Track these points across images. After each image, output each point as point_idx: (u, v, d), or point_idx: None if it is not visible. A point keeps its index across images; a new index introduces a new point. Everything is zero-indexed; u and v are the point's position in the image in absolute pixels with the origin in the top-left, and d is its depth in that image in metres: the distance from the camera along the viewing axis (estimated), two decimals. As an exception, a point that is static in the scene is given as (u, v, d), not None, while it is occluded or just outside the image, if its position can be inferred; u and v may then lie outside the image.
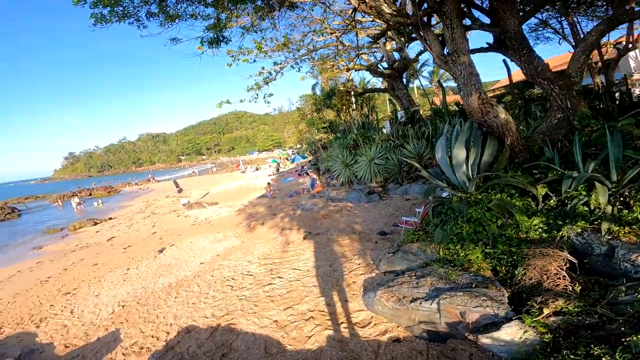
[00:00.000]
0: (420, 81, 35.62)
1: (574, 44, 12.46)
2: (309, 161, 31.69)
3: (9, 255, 14.82)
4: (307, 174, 22.55)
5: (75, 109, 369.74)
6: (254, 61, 10.73)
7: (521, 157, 5.91)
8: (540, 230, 4.52)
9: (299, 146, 68.35)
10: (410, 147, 12.43)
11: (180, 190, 28.83)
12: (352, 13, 8.53)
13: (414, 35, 7.75)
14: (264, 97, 13.06)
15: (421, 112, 20.18)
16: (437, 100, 34.72)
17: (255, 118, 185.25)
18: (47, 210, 33.79)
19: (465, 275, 4.41)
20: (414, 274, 4.82)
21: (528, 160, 5.81)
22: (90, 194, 42.01)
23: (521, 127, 8.00)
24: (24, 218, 29.19)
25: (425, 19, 6.56)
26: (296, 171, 28.83)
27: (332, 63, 17.95)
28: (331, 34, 13.80)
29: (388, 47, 17.69)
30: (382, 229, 8.29)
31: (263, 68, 12.41)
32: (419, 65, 27.24)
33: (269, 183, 21.04)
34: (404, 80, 19.76)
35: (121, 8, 5.86)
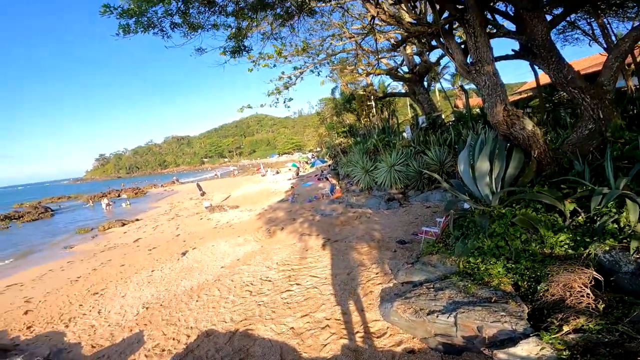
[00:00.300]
0: (441, 84, 34.57)
1: (605, 46, 11.87)
2: (329, 165, 31.72)
3: (42, 254, 15.64)
4: (327, 179, 22.53)
5: (106, 112, 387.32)
6: (274, 66, 10.93)
7: (549, 170, 5.69)
8: (566, 246, 4.36)
9: (318, 149, 68.55)
10: (432, 153, 12.21)
11: (203, 194, 29.54)
12: (371, 20, 8.53)
13: (434, 43, 7.64)
14: (284, 102, 13.26)
15: (443, 117, 19.80)
16: (460, 103, 33.86)
17: (276, 121, 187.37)
18: (78, 210, 35.51)
19: (484, 289, 4.32)
20: (432, 286, 4.76)
21: (556, 173, 5.58)
22: (119, 195, 43.82)
23: (549, 138, 7.70)
24: (56, 217, 30.77)
25: (446, 26, 6.46)
26: (315, 175, 28.91)
27: (351, 67, 17.91)
28: (350, 38, 13.81)
29: (408, 50, 17.47)
30: (401, 237, 8.17)
31: (283, 73, 12.63)
32: (440, 68, 26.68)
33: (292, 187, 21.17)
34: (425, 83, 19.42)
35: (146, 19, 6.11)
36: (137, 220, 21.39)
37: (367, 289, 5.73)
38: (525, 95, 25.52)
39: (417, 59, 17.99)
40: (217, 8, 6.79)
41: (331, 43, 14.15)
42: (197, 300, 6.70)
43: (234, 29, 7.65)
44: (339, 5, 8.45)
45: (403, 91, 25.81)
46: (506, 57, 6.94)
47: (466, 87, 30.99)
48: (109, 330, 6.21)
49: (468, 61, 6.29)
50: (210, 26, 7.17)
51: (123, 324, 6.37)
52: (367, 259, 7.13)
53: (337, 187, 17.45)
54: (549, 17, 7.26)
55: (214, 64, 8.54)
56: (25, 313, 7.80)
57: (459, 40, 7.15)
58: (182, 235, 14.37)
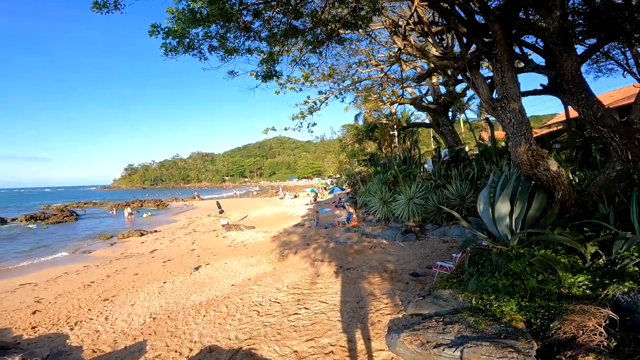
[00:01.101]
0: (466, 115, 33.66)
1: (639, 77, 11.51)
2: (347, 193, 31.60)
3: (59, 256, 16.11)
4: (344, 207, 22.43)
5: (140, 124, 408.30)
6: (300, 90, 11.22)
7: (573, 212, 5.43)
8: (584, 287, 4.24)
9: (338, 176, 68.75)
10: (453, 188, 11.99)
11: (221, 212, 29.98)
12: (397, 52, 8.73)
13: (460, 76, 7.69)
14: (308, 126, 13.50)
15: (467, 150, 19.52)
16: (485, 136, 33.26)
17: (298, 145, 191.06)
18: (102, 216, 36.74)
19: (495, 325, 4.19)
20: (441, 320, 4.64)
21: (580, 215, 5.32)
22: (141, 206, 45.13)
23: (575, 179, 7.41)
24: (80, 222, 31.88)
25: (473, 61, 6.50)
26: (333, 202, 28.83)
27: (375, 95, 18.17)
28: (376, 66, 14.08)
29: (434, 80, 17.53)
30: (415, 270, 7.99)
31: (308, 97, 12.92)
32: (466, 98, 26.44)
33: (316, 212, 21.15)
34: (450, 115, 19.31)
35: (188, 40, 6.53)
36: (156, 231, 21.82)
37: (375, 319, 5.58)
38: (555, 128, 24.82)
39: (442, 89, 18.04)
40: (252, 33, 7.17)
41: (357, 70, 14.45)
42: (204, 315, 6.60)
43: (266, 54, 8.02)
44: (366, 33, 8.74)
45: (427, 121, 25.75)
46: (534, 92, 6.84)
47: (492, 119, 30.49)
48: (113, 337, 6.19)
49: (494, 96, 6.24)
50: (244, 51, 7.55)
51: (128, 331, 6.35)
52: (378, 289, 6.97)
53: (354, 216, 17.29)
54: (581, 48, 7.16)
55: (245, 87, 8.91)
56: (34, 313, 7.90)
57: (485, 73, 7.18)
58: (197, 251, 14.48)
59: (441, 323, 4.48)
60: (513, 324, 4.12)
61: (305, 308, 6.39)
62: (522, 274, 4.58)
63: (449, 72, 8.26)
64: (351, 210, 18.47)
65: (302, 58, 9.05)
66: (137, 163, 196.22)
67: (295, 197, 43.81)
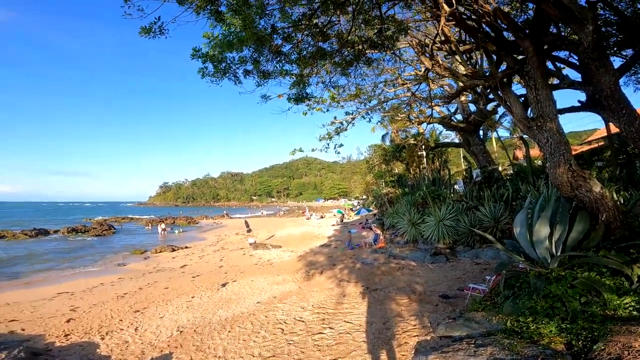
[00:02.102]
0: (498, 133, 31.35)
1: None
2: (374, 214, 31.12)
3: (97, 268, 16.89)
4: (371, 228, 22.22)
5: (174, 143, 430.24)
6: (327, 110, 11.40)
7: (618, 233, 5.03)
8: (630, 308, 3.94)
9: (364, 197, 68.11)
10: (486, 209, 11.58)
11: (249, 230, 30.46)
12: (424, 72, 8.75)
13: (492, 95, 7.56)
14: (335, 147, 13.62)
15: (500, 170, 18.78)
16: (520, 154, 31.71)
17: (324, 165, 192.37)
18: (137, 231, 38.42)
19: (532, 347, 3.87)
20: (473, 342, 4.36)
21: (626, 237, 4.92)
22: (174, 222, 46.80)
23: (620, 200, 6.91)
24: (117, 236, 33.46)
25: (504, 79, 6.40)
26: (360, 223, 28.50)
27: (403, 115, 18.05)
28: (402, 85, 14.06)
29: (462, 98, 17.22)
30: (444, 292, 7.77)
31: (335, 118, 13.10)
32: (497, 116, 25.25)
33: (349, 232, 21.01)
34: (481, 133, 18.73)
35: (224, 65, 6.94)
36: (187, 247, 22.46)
37: (401, 340, 5.40)
38: (596, 145, 23.32)
39: (472, 107, 17.66)
40: (282, 56, 7.52)
41: (383, 89, 14.49)
42: (229, 331, 6.63)
43: (296, 77, 8.34)
44: (392, 52, 8.85)
45: (456, 141, 25.08)
46: (571, 109, 6.57)
47: (526, 137, 29.11)
48: (141, 348, 6.31)
49: (528, 115, 6.05)
50: (277, 73, 7.90)
51: (155, 343, 6.46)
52: (405, 311, 6.77)
53: (381, 237, 17.01)
54: (619, 60, 6.83)
55: (277, 110, 9.24)
56: (68, 321, 8.21)
57: (518, 90, 7.01)
58: (224, 267, 14.72)
59: (472, 345, 4.23)
60: (552, 346, 3.84)
61: (330, 328, 6.28)
62: (563, 297, 4.32)
63: (479, 91, 8.15)
64: (378, 231, 18.23)
65: (332, 80, 9.30)
66: (171, 181, 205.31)
67: (322, 217, 43.78)
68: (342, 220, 34.64)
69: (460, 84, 7.50)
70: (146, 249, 22.14)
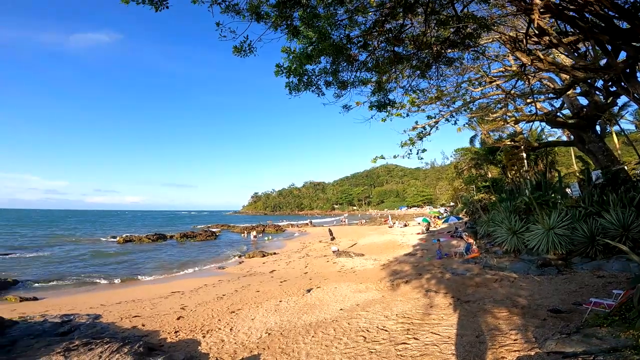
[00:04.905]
0: (620, 126, 24.79)
1: None
2: (465, 223, 28.62)
3: (203, 269, 19.17)
4: (462, 237, 20.61)
5: (264, 155, 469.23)
6: (407, 115, 10.95)
7: None
8: None
9: (452, 204, 63.28)
10: (612, 216, 9.73)
11: (332, 238, 31.05)
12: (520, 68, 7.80)
13: (614, 88, 6.33)
14: (418, 153, 12.95)
15: (626, 169, 15.48)
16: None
17: (406, 172, 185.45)
18: (233, 237, 42.60)
19: None
20: (591, 359, 3.75)
21: None
22: (264, 230, 50.53)
23: None
24: (218, 241, 37.59)
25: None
26: (448, 232, 26.61)
27: (494, 114, 16.24)
28: (490, 83, 12.71)
29: (570, 91, 14.84)
30: (555, 306, 6.85)
31: (417, 123, 12.49)
32: (616, 108, 20.26)
33: (439, 240, 19.91)
34: (598, 128, 15.74)
35: (306, 77, 7.26)
36: (275, 253, 23.98)
37: (498, 354, 4.87)
38: None
39: (582, 100, 15.02)
40: (359, 64, 7.55)
41: (467, 89, 13.31)
42: (312, 336, 6.79)
43: (375, 84, 8.26)
44: (472, 49, 8.07)
45: (564, 139, 21.56)
46: None
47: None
48: (234, 348, 6.76)
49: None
50: (358, 82, 7.95)
51: (246, 344, 6.90)
52: (504, 324, 6.11)
53: (474, 247, 15.58)
54: None
55: (360, 118, 9.25)
56: (178, 319, 9.14)
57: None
58: (309, 274, 15.24)
59: (591, 362, 3.58)
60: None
61: (415, 338, 5.98)
62: None
63: (598, 84, 6.91)
64: (471, 240, 16.85)
65: (411, 84, 8.96)
66: (261, 191, 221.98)
67: (405, 225, 42.18)
68: (427, 229, 32.77)
69: (567, 77, 6.46)
70: (241, 254, 24.35)
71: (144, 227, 61.03)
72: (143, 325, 8.57)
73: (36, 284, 15.09)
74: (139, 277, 17.12)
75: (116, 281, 16.04)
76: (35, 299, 12.52)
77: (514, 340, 5.27)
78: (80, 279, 16.38)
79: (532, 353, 4.68)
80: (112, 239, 36.58)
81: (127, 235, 36.90)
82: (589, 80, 6.56)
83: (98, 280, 16.01)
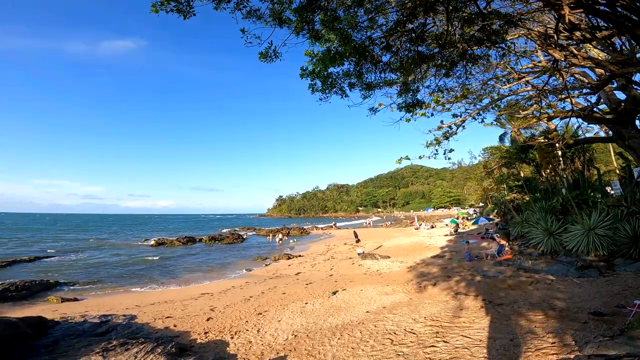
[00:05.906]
0: None
1: None
2: (496, 224, 27.53)
3: (231, 271, 19.60)
4: (493, 239, 19.85)
5: (288, 158, 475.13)
6: (432, 115, 10.70)
7: None
8: None
9: (482, 205, 61.08)
10: (656, 215, 9.03)
11: (358, 240, 30.84)
12: (553, 63, 7.45)
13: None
14: (444, 153, 12.60)
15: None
16: None
17: (432, 173, 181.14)
18: (259, 240, 43.32)
19: None
20: None
21: None
22: (289, 233, 51.00)
23: None
24: (244, 244, 38.29)
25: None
26: (478, 234, 25.72)
27: (524, 112, 15.53)
28: (519, 79, 12.18)
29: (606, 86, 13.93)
30: (597, 308, 6.52)
31: (442, 122, 12.18)
32: None
33: (467, 242, 19.38)
34: (638, 124, 14.70)
35: (330, 80, 7.28)
36: (300, 256, 24.15)
37: (534, 358, 4.70)
38: None
39: (619, 94, 14.09)
40: (383, 65, 7.49)
41: (494, 86, 12.81)
42: (339, 338, 6.77)
43: (401, 85, 8.15)
44: (497, 46, 7.76)
45: (602, 135, 20.30)
46: None
47: None
48: (261, 349, 6.83)
49: None
50: (382, 84, 7.88)
51: (273, 345, 6.97)
52: (540, 328, 5.86)
53: (507, 248, 14.98)
54: None
55: (389, 122, 9.10)
56: (207, 320, 9.35)
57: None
58: (334, 276, 15.21)
59: (635, 366, 3.40)
60: None
61: (444, 341, 5.83)
62: None
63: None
64: (503, 242, 16.24)
65: (438, 83, 8.77)
66: (285, 194, 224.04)
67: (432, 227, 41.19)
68: (456, 231, 31.80)
69: (603, 72, 6.12)
70: (267, 257, 24.69)
71: (175, 231, 63.53)
72: (175, 326, 8.84)
73: (76, 285, 16.00)
74: (171, 278, 17.78)
75: (150, 283, 16.72)
76: (75, 299, 13.20)
77: (551, 343, 5.05)
78: (116, 280, 17.23)
79: (572, 356, 4.49)
80: (146, 242, 38.21)
81: (159, 238, 38.39)
82: (626, 75, 6.16)
83: (133, 282, 16.78)
